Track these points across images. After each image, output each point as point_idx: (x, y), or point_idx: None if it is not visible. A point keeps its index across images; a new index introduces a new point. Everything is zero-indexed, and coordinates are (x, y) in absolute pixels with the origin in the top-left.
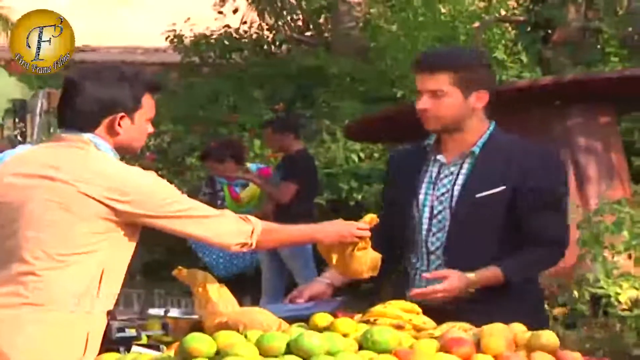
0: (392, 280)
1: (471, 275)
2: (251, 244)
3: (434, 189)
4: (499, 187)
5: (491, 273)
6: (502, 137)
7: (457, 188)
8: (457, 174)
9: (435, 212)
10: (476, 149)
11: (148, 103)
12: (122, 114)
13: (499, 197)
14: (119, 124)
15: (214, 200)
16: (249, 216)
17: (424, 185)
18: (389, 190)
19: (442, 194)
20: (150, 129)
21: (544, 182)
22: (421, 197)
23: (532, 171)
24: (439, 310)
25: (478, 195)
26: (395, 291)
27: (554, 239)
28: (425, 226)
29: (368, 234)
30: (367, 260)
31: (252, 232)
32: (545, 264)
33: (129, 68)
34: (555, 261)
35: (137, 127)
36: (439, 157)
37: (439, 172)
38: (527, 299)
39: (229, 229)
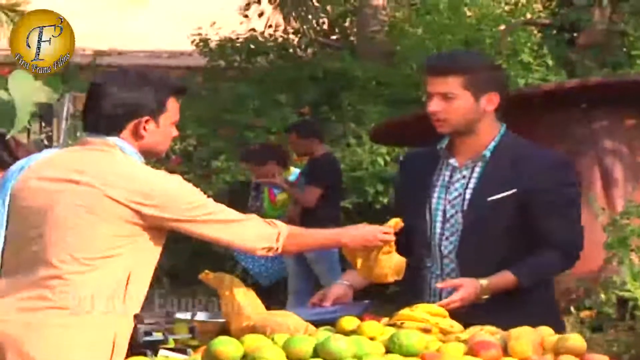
0: (409, 282)
1: (484, 282)
2: (277, 248)
3: (446, 192)
4: (510, 190)
5: (504, 278)
6: (512, 140)
7: (469, 192)
8: (469, 178)
9: (447, 215)
10: (487, 153)
11: (173, 106)
12: (147, 117)
13: (511, 200)
14: (144, 128)
15: (257, 201)
16: (275, 220)
17: (436, 189)
18: (401, 193)
19: (455, 198)
20: (175, 132)
21: (555, 185)
22: (434, 200)
23: (542, 174)
24: (463, 314)
25: (490, 199)
26: (412, 294)
27: (567, 242)
28: (438, 230)
29: (392, 238)
30: (391, 264)
31: (278, 236)
32: (559, 268)
33: (154, 72)
34: (570, 265)
35: (162, 131)
36: (451, 160)
37: (451, 176)
38: (541, 303)
39: (254, 233)
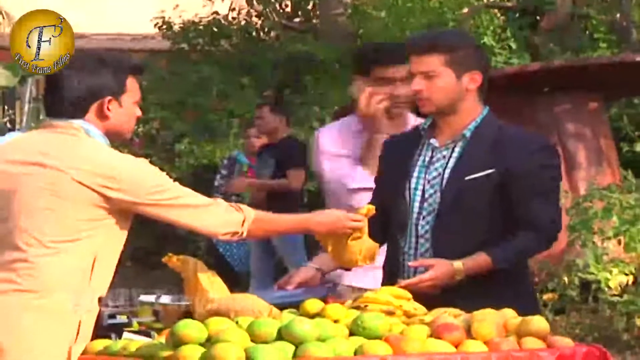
0: (385, 262)
1: (458, 264)
2: (242, 233)
3: (426, 172)
4: (488, 170)
5: (479, 260)
6: (494, 122)
7: (447, 171)
8: (449, 158)
9: (426, 195)
10: (467, 132)
11: (133, 86)
12: (110, 97)
13: (489, 180)
14: (108, 108)
15: (231, 178)
16: (242, 205)
17: (416, 169)
18: (382, 175)
19: (434, 178)
20: (139, 112)
21: (535, 167)
22: (413, 180)
23: (523, 156)
24: (429, 297)
25: (467, 178)
26: (387, 274)
27: (545, 224)
28: (415, 210)
29: (362, 224)
30: (361, 250)
31: (243, 222)
32: (536, 249)
33: (110, 53)
34: (547, 246)
35: (126, 110)
36: (432, 140)
37: (432, 156)
38: (517, 285)
39: (218, 219)
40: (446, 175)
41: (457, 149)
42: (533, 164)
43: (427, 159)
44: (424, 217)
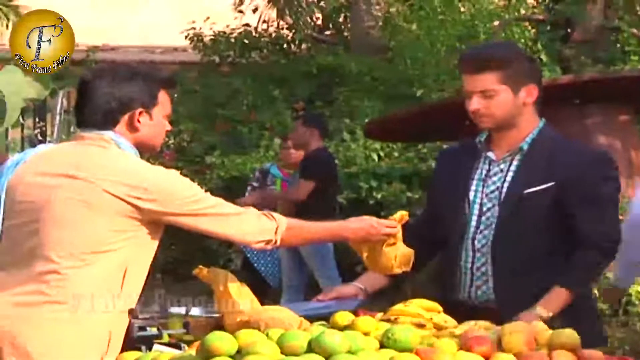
0: (441, 277)
1: (541, 311)
2: (275, 241)
3: (483, 186)
4: (547, 184)
5: (557, 295)
6: (551, 134)
7: (505, 185)
8: (507, 171)
9: (484, 209)
10: (524, 145)
11: (164, 99)
12: (141, 110)
13: (547, 193)
14: (138, 120)
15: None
16: (274, 213)
17: (474, 183)
18: (436, 189)
19: (492, 192)
20: (168, 126)
21: (592, 179)
22: (471, 194)
23: (579, 168)
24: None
25: (526, 192)
26: (443, 289)
27: (604, 237)
28: (473, 223)
29: (396, 231)
30: (396, 256)
31: (277, 230)
32: (602, 266)
33: (143, 65)
34: (609, 260)
35: (156, 124)
36: (489, 154)
37: (488, 170)
38: (582, 315)
39: (252, 227)
40: (504, 189)
41: (514, 162)
42: (591, 176)
43: (484, 172)
44: (481, 232)
